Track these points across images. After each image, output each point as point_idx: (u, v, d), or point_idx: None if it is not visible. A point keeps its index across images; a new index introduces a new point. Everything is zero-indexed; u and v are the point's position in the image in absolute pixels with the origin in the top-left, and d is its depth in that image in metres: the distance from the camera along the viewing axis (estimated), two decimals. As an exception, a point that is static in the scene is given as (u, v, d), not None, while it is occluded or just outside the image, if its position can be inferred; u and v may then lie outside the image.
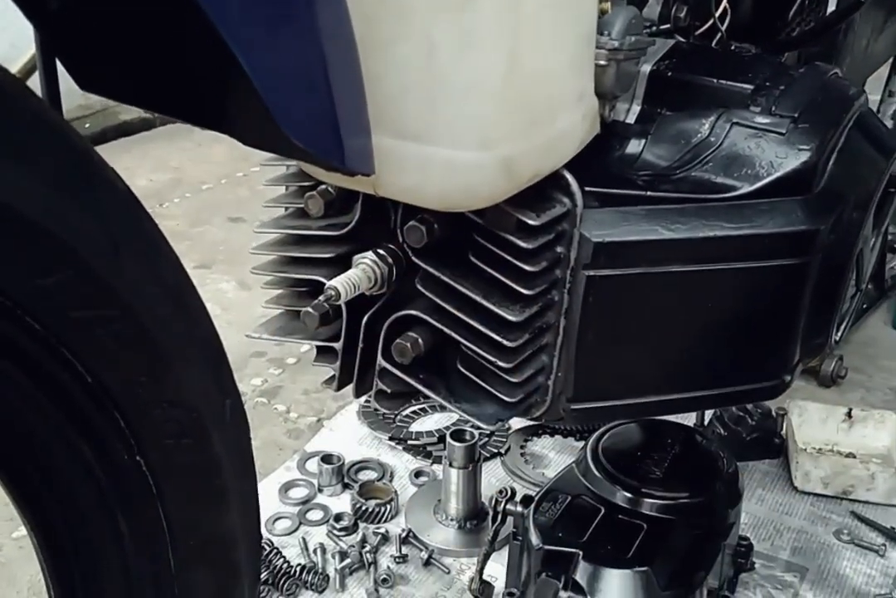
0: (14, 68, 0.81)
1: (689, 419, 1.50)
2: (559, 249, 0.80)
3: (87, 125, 3.45)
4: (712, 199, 0.81)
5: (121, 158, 2.93)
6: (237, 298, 2.14)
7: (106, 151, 0.59)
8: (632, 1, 0.87)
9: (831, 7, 1.19)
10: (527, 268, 0.78)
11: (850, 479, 1.46)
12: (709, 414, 1.55)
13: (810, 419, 1.59)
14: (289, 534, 1.42)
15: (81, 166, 0.52)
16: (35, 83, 0.66)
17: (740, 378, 0.88)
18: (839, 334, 0.93)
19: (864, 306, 1.94)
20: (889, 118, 1.91)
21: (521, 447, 1.58)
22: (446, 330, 0.82)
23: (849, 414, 1.59)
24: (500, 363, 0.80)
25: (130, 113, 3.63)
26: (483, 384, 0.83)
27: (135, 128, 3.59)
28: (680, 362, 0.86)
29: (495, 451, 1.56)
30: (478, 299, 0.80)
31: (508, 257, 0.78)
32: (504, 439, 1.59)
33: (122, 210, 0.55)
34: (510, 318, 0.79)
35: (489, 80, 0.67)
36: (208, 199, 2.79)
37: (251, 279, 2.22)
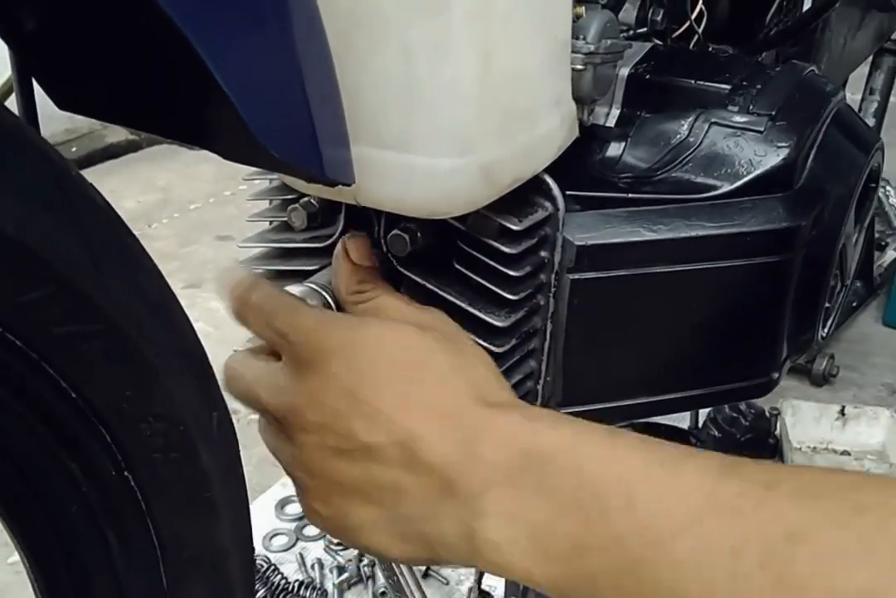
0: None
1: (683, 422, 1.50)
2: (543, 254, 0.80)
3: (73, 149, 3.45)
4: (693, 199, 0.82)
5: (108, 180, 2.94)
6: (227, 316, 2.14)
7: (93, 174, 0.60)
8: (607, 5, 0.87)
9: (806, 6, 1.20)
10: (511, 273, 0.78)
11: (846, 477, 1.46)
12: (703, 416, 1.55)
13: (804, 418, 1.59)
14: (286, 550, 1.42)
15: (60, 182, 0.53)
16: (11, 104, 0.66)
17: (729, 377, 0.88)
18: (826, 330, 0.93)
19: (854, 304, 1.95)
20: (871, 116, 1.92)
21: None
22: (434, 338, 0.82)
23: (842, 412, 1.59)
24: (489, 369, 0.80)
25: (117, 135, 3.64)
26: (472, 391, 0.83)
27: (121, 150, 3.60)
28: (668, 362, 0.86)
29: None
30: (463, 305, 0.80)
31: (492, 263, 0.78)
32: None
33: (102, 225, 0.55)
34: (496, 323, 0.79)
35: (465, 87, 0.67)
36: (196, 218, 2.79)
37: (241, 297, 2.21)
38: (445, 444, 0.57)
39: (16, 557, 1.41)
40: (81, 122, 3.52)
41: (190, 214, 2.84)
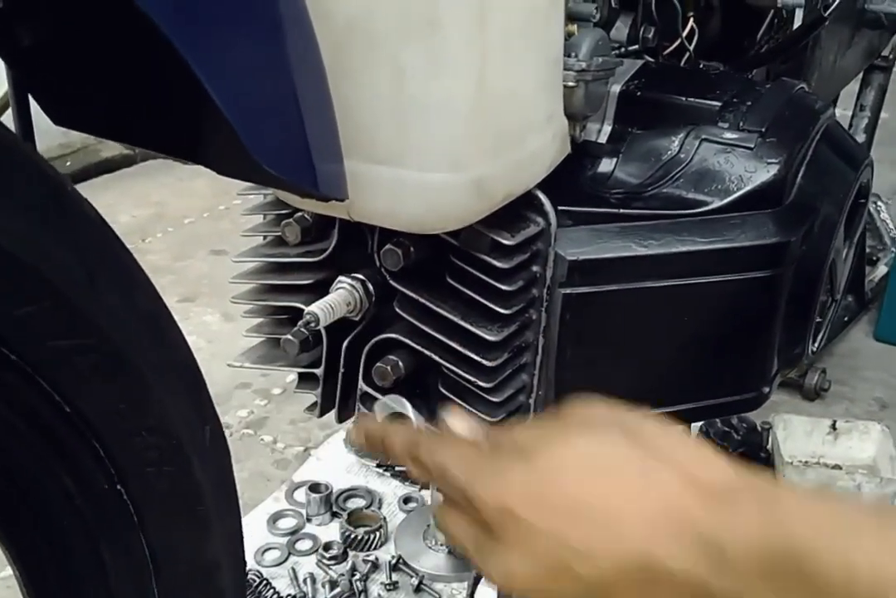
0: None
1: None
2: (535, 268, 0.81)
3: (68, 163, 3.46)
4: (684, 214, 0.82)
5: (103, 194, 2.94)
6: (222, 330, 2.14)
7: (88, 188, 0.60)
8: (598, 23, 0.88)
9: (797, 24, 1.21)
10: (503, 287, 0.79)
11: (836, 491, 1.46)
12: (694, 430, 1.55)
13: (795, 432, 1.59)
14: (278, 565, 1.41)
15: (55, 197, 0.53)
16: (7, 119, 0.67)
17: (719, 391, 0.89)
18: (816, 344, 0.94)
19: (846, 319, 1.95)
20: (861, 132, 1.93)
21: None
22: (426, 352, 0.82)
23: (833, 426, 1.59)
24: (481, 383, 0.80)
25: (111, 150, 3.64)
26: (465, 405, 0.83)
27: (116, 164, 3.60)
28: (659, 376, 0.86)
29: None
30: (456, 320, 0.80)
31: (485, 278, 0.79)
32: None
33: (97, 241, 0.56)
34: (489, 338, 0.79)
35: (458, 104, 0.68)
36: (191, 232, 2.79)
37: (235, 311, 2.21)
38: (683, 548, 0.50)
39: (8, 571, 1.40)
40: (76, 136, 3.52)
41: (184, 229, 2.84)
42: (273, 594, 1.31)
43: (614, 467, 0.53)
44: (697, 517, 0.50)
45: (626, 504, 0.51)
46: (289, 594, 1.32)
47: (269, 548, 1.44)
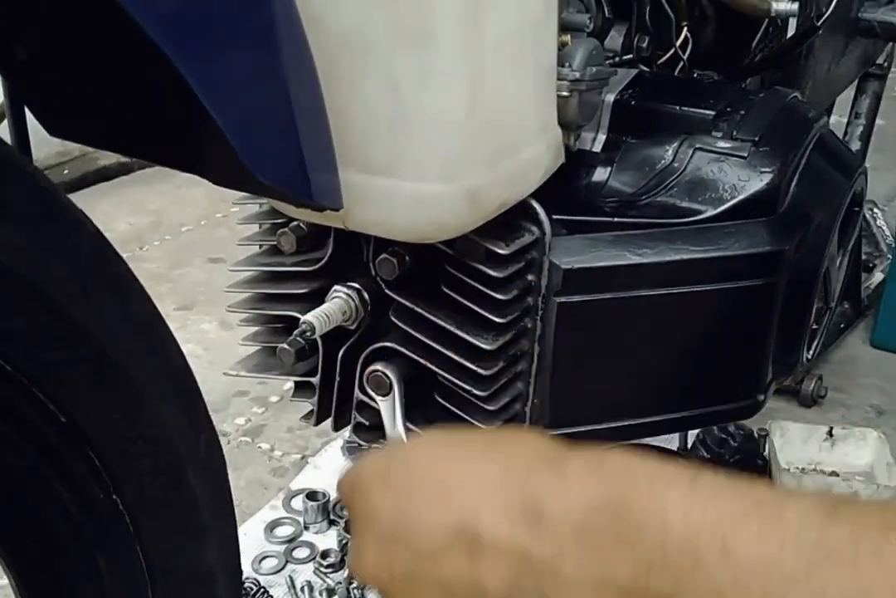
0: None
1: (672, 443, 1.50)
2: (530, 277, 0.81)
3: (65, 171, 3.46)
4: (678, 223, 0.83)
5: (100, 202, 2.94)
6: (219, 338, 2.14)
7: (85, 196, 0.60)
8: (592, 33, 0.89)
9: (790, 33, 1.22)
10: (498, 296, 0.79)
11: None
12: (691, 438, 1.55)
13: (792, 440, 1.60)
14: (275, 573, 1.41)
15: (49, 209, 0.53)
16: (3, 131, 0.67)
17: (715, 399, 0.89)
18: (811, 352, 0.94)
19: (842, 326, 1.95)
20: (857, 139, 1.93)
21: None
22: (422, 361, 0.82)
23: (830, 433, 1.59)
24: (476, 392, 0.81)
25: (109, 158, 3.64)
26: (460, 413, 0.84)
27: (113, 173, 3.60)
28: (654, 384, 0.87)
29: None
30: (451, 328, 0.81)
31: (480, 286, 0.79)
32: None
33: (91, 250, 0.56)
34: (484, 346, 0.79)
35: (452, 114, 0.68)
36: (188, 241, 2.79)
37: (233, 319, 2.21)
38: (507, 516, 0.51)
39: (3, 581, 1.40)
40: (73, 145, 3.52)
41: (181, 237, 2.84)
42: (270, 603, 1.31)
43: (460, 449, 0.56)
44: (524, 485, 0.52)
45: (465, 477, 0.53)
46: (286, 603, 1.32)
47: (267, 556, 1.44)
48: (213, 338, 2.13)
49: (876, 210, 2.26)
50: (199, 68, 0.54)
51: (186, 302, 2.30)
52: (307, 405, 0.97)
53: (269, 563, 1.42)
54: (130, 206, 3.08)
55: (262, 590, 1.33)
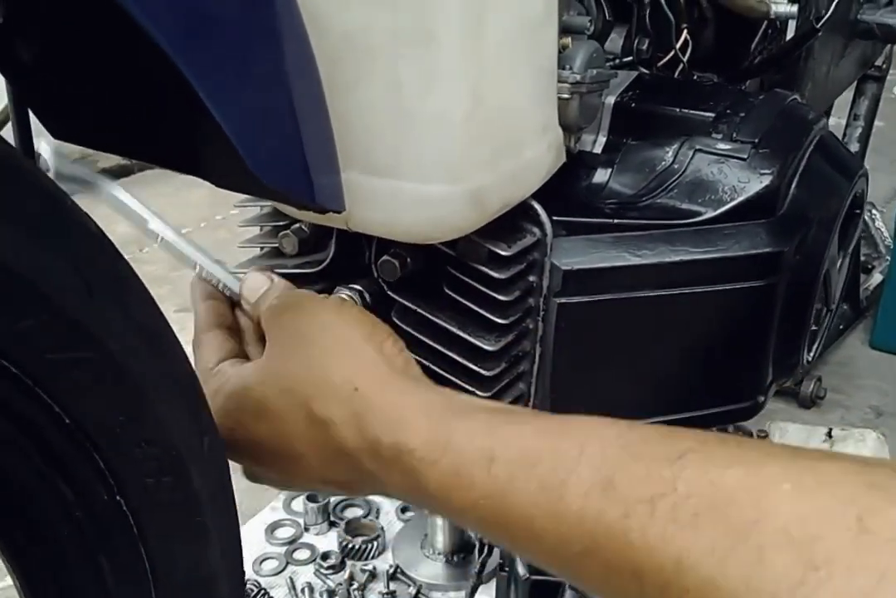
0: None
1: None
2: (531, 278, 0.81)
3: (64, 173, 3.45)
4: (678, 224, 0.83)
5: (99, 204, 2.94)
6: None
7: (84, 199, 0.60)
8: (593, 35, 0.89)
9: (790, 36, 1.22)
10: (500, 297, 0.79)
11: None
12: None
13: (791, 440, 1.60)
14: (276, 574, 1.42)
15: (53, 210, 0.53)
16: (7, 133, 0.67)
17: (715, 400, 0.89)
18: (811, 353, 0.94)
19: (841, 327, 1.96)
20: (855, 141, 1.94)
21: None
22: (424, 362, 0.82)
23: (829, 434, 1.60)
24: (479, 392, 0.81)
25: (108, 160, 3.64)
26: (462, 414, 0.84)
27: (113, 175, 3.59)
28: (654, 386, 0.87)
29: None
30: (454, 329, 0.81)
31: (482, 288, 0.79)
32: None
33: (95, 252, 0.56)
34: (486, 347, 0.80)
35: (455, 115, 0.69)
36: (188, 242, 2.79)
37: (232, 321, 2.22)
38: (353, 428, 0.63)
39: (6, 582, 1.40)
40: (73, 147, 3.52)
41: (181, 239, 2.84)
42: (271, 604, 1.31)
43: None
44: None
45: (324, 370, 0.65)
46: (287, 604, 1.32)
47: (267, 558, 1.44)
48: (212, 340, 2.13)
49: (874, 212, 2.27)
50: (203, 69, 0.54)
51: (186, 304, 2.30)
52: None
53: (270, 564, 1.43)
54: (130, 208, 3.08)
55: (262, 592, 1.33)
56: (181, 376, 0.62)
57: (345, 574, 1.38)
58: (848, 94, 1.86)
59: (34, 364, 0.52)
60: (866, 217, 2.13)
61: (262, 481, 0.73)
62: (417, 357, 0.82)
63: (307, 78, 0.64)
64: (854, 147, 1.92)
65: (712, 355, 0.87)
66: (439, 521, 1.37)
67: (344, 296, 0.82)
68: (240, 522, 0.70)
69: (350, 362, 0.64)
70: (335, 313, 0.68)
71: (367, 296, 0.85)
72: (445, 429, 0.59)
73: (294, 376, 0.66)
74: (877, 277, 2.15)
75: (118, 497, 0.60)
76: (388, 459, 0.60)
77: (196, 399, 0.64)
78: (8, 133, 0.67)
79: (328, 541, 1.46)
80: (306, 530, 1.49)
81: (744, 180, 0.84)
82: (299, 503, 1.52)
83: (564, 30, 0.80)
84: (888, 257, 2.18)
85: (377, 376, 0.64)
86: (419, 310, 0.82)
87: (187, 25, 0.53)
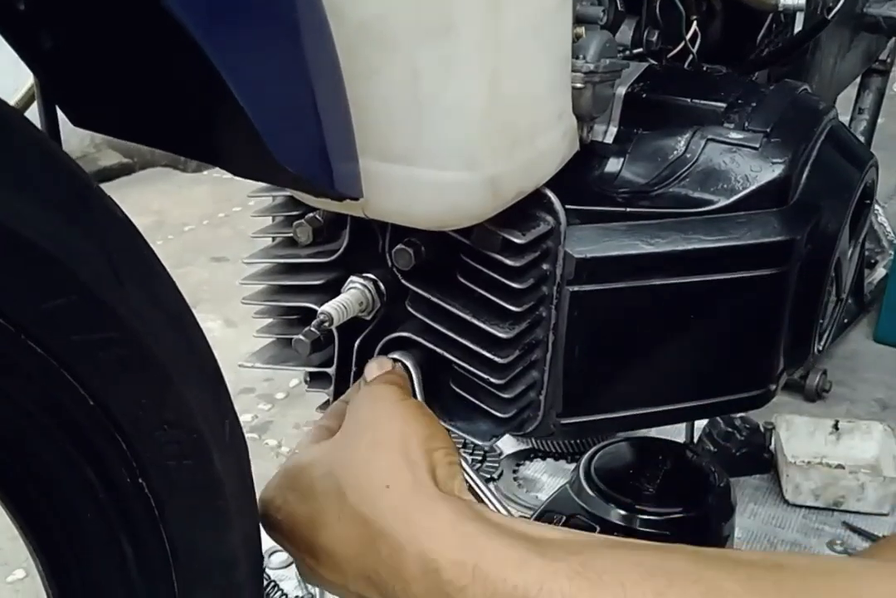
0: (12, 101, 0.83)
1: (679, 436, 1.51)
2: (545, 267, 0.82)
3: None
4: (690, 213, 0.83)
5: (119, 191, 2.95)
6: (224, 336, 2.15)
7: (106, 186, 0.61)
8: (605, 25, 0.89)
9: (798, 27, 1.22)
10: (514, 285, 0.80)
11: (840, 490, 1.48)
12: (698, 431, 1.56)
13: (798, 433, 1.61)
14: (286, 567, 1.42)
15: (81, 194, 0.54)
16: (31, 115, 0.67)
17: (727, 388, 0.90)
18: (821, 343, 0.95)
19: (846, 321, 1.97)
20: (859, 135, 1.95)
21: (514, 472, 1.59)
22: (438, 350, 0.83)
23: (835, 426, 1.61)
24: (493, 380, 0.81)
25: (109, 159, 3.65)
26: (476, 402, 0.84)
27: (114, 173, 3.61)
28: (666, 373, 0.87)
29: (488, 476, 1.57)
30: (468, 317, 0.81)
31: (496, 276, 0.80)
32: (496, 465, 1.60)
33: (121, 236, 0.57)
34: (500, 335, 0.80)
35: (472, 103, 0.69)
36: (191, 240, 2.80)
37: (237, 317, 2.23)
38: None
39: (15, 576, 1.40)
40: (74, 145, 3.53)
41: (184, 236, 2.84)
42: (281, 596, 1.32)
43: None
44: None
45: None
46: (296, 596, 1.32)
47: (277, 551, 1.44)
48: (217, 336, 2.14)
49: (877, 207, 2.28)
50: (229, 56, 0.55)
51: (190, 301, 2.30)
52: (314, 402, 0.98)
53: (279, 557, 1.43)
54: (132, 206, 3.08)
55: (272, 584, 1.34)
56: (204, 360, 0.63)
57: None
58: (849, 92, 1.87)
59: (61, 345, 0.53)
60: (870, 212, 2.13)
61: (313, 580, 0.74)
62: (431, 345, 0.83)
63: (327, 65, 0.64)
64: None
65: (724, 343, 0.87)
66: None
67: (419, 399, 0.82)
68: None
69: (394, 459, 0.67)
70: (402, 410, 0.72)
71: (380, 285, 0.85)
72: (473, 546, 0.60)
73: (340, 460, 0.69)
74: (880, 272, 2.16)
75: (140, 480, 0.60)
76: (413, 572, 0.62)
77: (217, 383, 0.64)
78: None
79: (336, 534, 1.47)
80: (314, 523, 1.50)
81: (756, 169, 0.84)
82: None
83: (578, 19, 0.81)
84: (891, 252, 2.19)
85: (410, 479, 0.66)
86: (433, 298, 0.82)
87: (214, 11, 0.53)
